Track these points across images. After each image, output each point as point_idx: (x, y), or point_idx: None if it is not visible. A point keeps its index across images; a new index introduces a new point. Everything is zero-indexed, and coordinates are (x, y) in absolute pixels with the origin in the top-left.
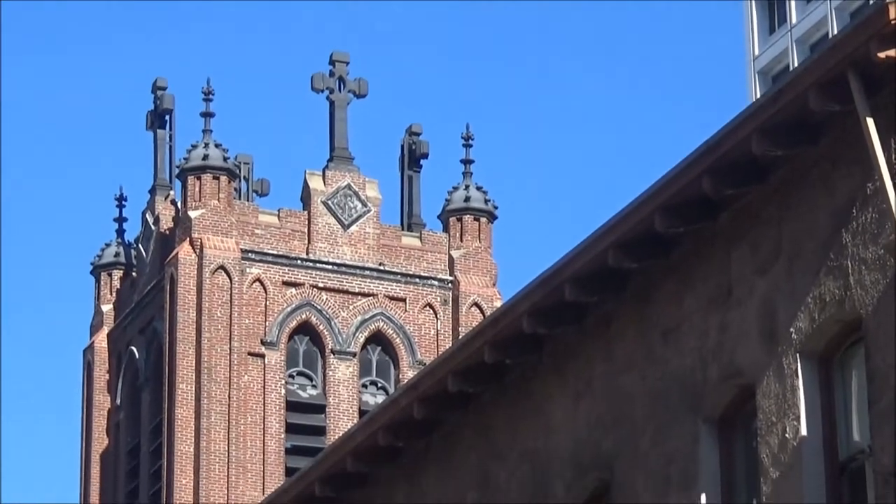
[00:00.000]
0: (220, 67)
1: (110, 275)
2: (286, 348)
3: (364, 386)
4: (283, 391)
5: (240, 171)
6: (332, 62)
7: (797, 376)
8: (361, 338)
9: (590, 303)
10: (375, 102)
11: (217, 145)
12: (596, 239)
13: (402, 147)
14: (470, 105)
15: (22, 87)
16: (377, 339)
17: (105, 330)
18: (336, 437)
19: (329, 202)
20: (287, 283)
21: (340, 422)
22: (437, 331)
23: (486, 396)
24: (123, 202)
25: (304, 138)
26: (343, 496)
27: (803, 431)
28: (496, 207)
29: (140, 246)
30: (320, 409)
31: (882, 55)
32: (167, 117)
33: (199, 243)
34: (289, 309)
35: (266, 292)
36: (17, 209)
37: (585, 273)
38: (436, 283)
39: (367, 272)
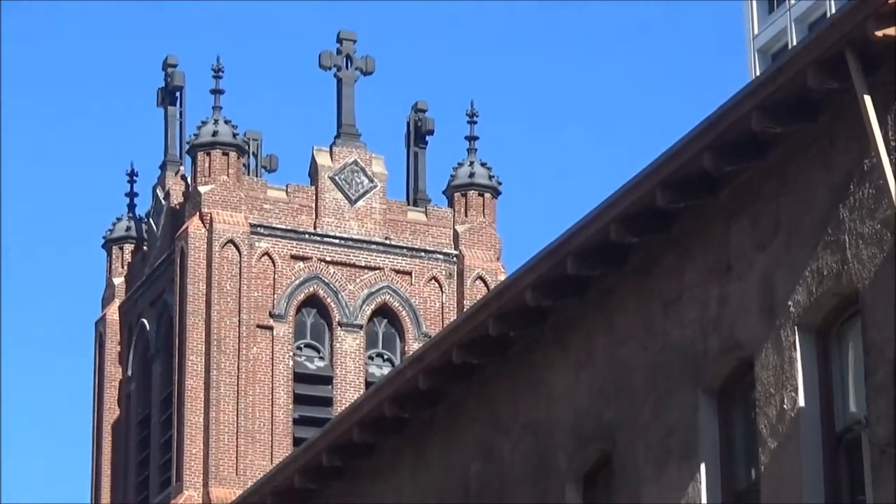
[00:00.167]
0: (229, 46)
1: (122, 248)
2: (294, 321)
3: (370, 358)
4: (291, 363)
5: (249, 147)
6: (339, 40)
7: (795, 349)
8: (368, 310)
9: (592, 276)
10: (382, 80)
11: (226, 122)
12: (598, 214)
13: (408, 124)
14: (475, 83)
15: (34, 65)
16: (383, 311)
17: (116, 302)
18: (343, 408)
19: (336, 178)
20: (295, 257)
21: (347, 393)
22: (442, 304)
23: (489, 368)
24: (135, 178)
25: (311, 115)
26: (349, 465)
27: (801, 403)
28: (500, 183)
29: (151, 220)
30: (327, 380)
31: (879, 34)
32: (177, 94)
33: (208, 218)
34: (297, 282)
35: (274, 266)
36: (32, 185)
37: (588, 247)
38: (441, 256)
39: (374, 246)
